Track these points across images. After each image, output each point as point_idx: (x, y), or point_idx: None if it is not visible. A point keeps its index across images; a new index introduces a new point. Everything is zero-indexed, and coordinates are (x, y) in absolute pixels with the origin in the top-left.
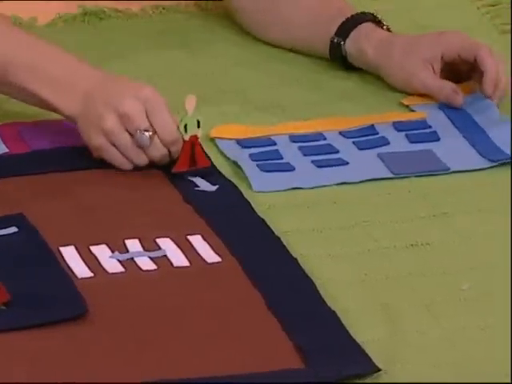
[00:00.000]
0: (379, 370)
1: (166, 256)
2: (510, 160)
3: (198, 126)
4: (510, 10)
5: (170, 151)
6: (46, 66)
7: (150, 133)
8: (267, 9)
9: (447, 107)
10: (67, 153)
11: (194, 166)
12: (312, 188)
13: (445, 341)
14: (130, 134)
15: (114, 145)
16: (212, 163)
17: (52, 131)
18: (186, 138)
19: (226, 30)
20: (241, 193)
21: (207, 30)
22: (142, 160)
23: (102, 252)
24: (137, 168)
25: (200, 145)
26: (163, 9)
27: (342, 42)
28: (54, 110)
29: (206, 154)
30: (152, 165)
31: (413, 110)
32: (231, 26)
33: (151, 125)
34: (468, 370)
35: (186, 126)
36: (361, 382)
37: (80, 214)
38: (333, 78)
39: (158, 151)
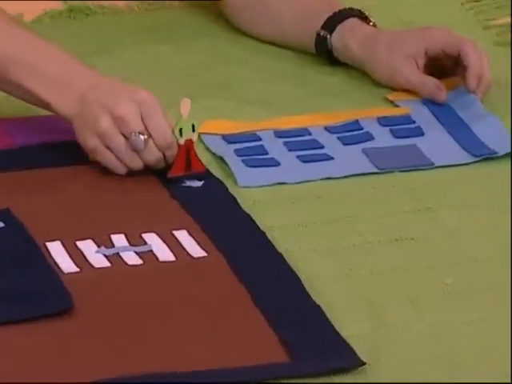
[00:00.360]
0: (364, 363)
1: (151, 251)
2: (493, 155)
3: (193, 130)
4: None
5: (164, 155)
6: (43, 64)
7: (145, 136)
8: (256, 2)
9: (431, 103)
10: (54, 149)
11: (189, 170)
12: (297, 183)
13: (429, 335)
14: (124, 136)
15: (109, 148)
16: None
17: (39, 127)
18: (181, 142)
19: (212, 25)
20: (226, 188)
21: (193, 25)
22: (136, 164)
23: (88, 247)
24: (131, 173)
25: (194, 149)
26: (149, 5)
27: (328, 36)
28: (51, 109)
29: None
30: (147, 169)
31: (397, 106)
32: (217, 21)
33: (146, 128)
34: (452, 364)
35: (181, 130)
36: (345, 375)
37: (66, 209)
38: (318, 73)
39: (153, 155)
